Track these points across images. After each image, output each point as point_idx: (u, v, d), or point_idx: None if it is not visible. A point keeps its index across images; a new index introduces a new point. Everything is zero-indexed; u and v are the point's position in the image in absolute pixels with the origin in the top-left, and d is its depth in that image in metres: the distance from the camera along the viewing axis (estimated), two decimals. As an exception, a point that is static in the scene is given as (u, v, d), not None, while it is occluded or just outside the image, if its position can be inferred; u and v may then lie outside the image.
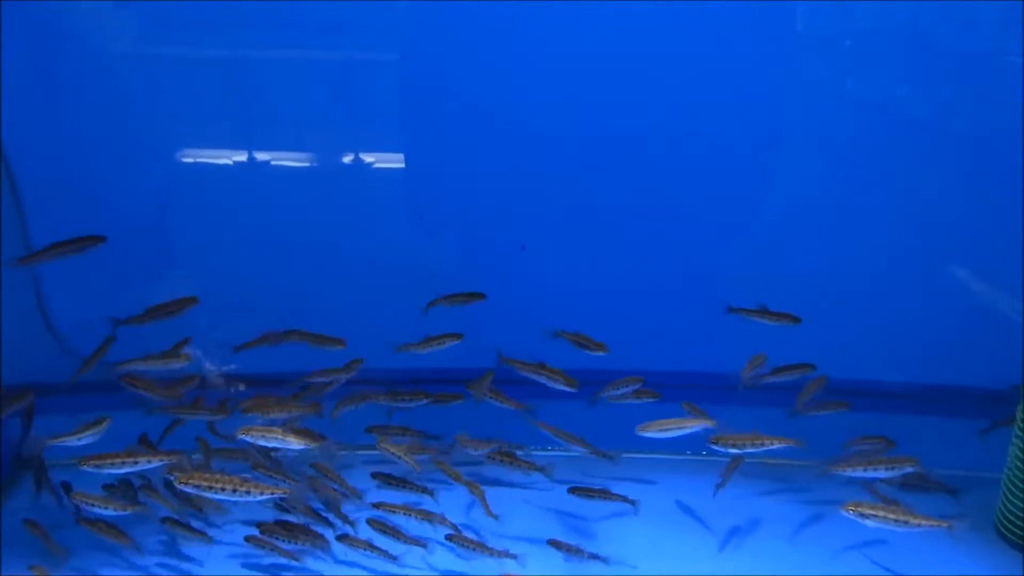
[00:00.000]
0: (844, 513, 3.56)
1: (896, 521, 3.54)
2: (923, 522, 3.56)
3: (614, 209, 4.45)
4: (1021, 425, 3.98)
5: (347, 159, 4.48)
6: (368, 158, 4.48)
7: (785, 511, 4.33)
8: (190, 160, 4.46)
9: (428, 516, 3.86)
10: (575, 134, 4.34)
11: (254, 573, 3.82)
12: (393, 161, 4.51)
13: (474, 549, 3.76)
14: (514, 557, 3.75)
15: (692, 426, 3.91)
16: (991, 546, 4.10)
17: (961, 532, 3.99)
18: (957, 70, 4.31)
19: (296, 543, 3.74)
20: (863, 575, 3.87)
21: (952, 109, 4.41)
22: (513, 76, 4.23)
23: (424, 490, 3.98)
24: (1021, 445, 3.96)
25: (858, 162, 4.46)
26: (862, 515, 3.53)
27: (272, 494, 3.47)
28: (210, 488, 3.39)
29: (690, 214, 4.49)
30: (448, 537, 3.83)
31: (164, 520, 3.83)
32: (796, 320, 4.12)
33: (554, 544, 3.82)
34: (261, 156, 4.45)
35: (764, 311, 4.12)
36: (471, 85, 4.28)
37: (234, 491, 3.39)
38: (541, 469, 4.20)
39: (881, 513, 3.54)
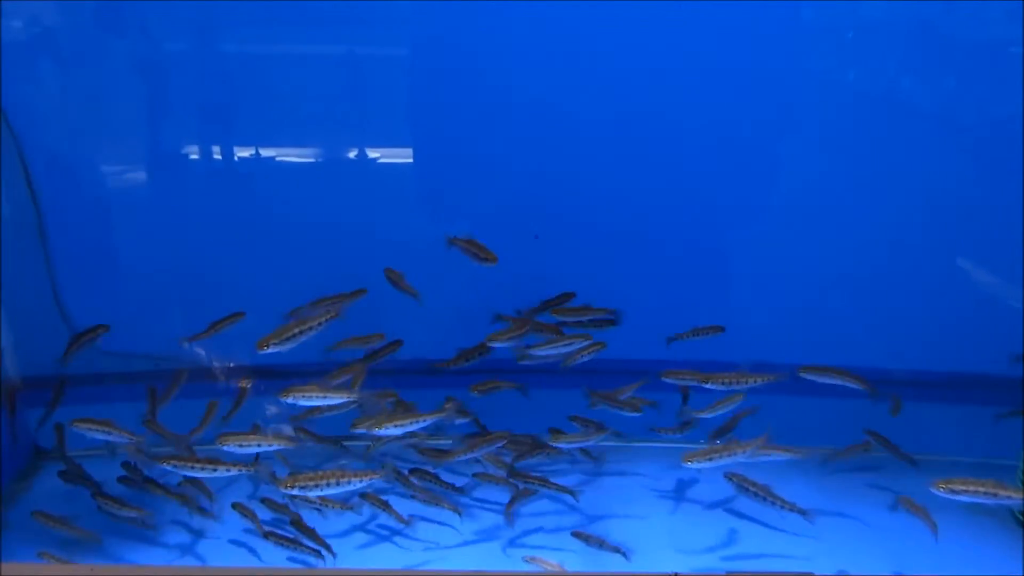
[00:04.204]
0: (935, 491, 3.50)
1: (987, 494, 3.48)
2: (1013, 494, 3.49)
3: (626, 200, 4.48)
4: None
5: (369, 154, 4.54)
6: (387, 151, 4.55)
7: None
8: (204, 157, 4.52)
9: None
10: (586, 126, 4.38)
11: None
12: (406, 156, 4.56)
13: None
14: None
15: None
16: (1008, 532, 4.10)
17: (979, 518, 4.02)
18: (962, 61, 4.34)
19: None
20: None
21: (956, 100, 4.43)
22: (529, 66, 4.27)
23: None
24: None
25: (863, 153, 4.46)
26: (953, 491, 3.48)
27: (362, 480, 3.51)
28: (316, 486, 3.42)
29: (696, 204, 4.52)
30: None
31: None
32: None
33: (579, 536, 3.82)
34: (273, 152, 4.51)
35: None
36: (486, 75, 4.32)
37: (337, 483, 3.45)
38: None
39: (972, 488, 3.48)
